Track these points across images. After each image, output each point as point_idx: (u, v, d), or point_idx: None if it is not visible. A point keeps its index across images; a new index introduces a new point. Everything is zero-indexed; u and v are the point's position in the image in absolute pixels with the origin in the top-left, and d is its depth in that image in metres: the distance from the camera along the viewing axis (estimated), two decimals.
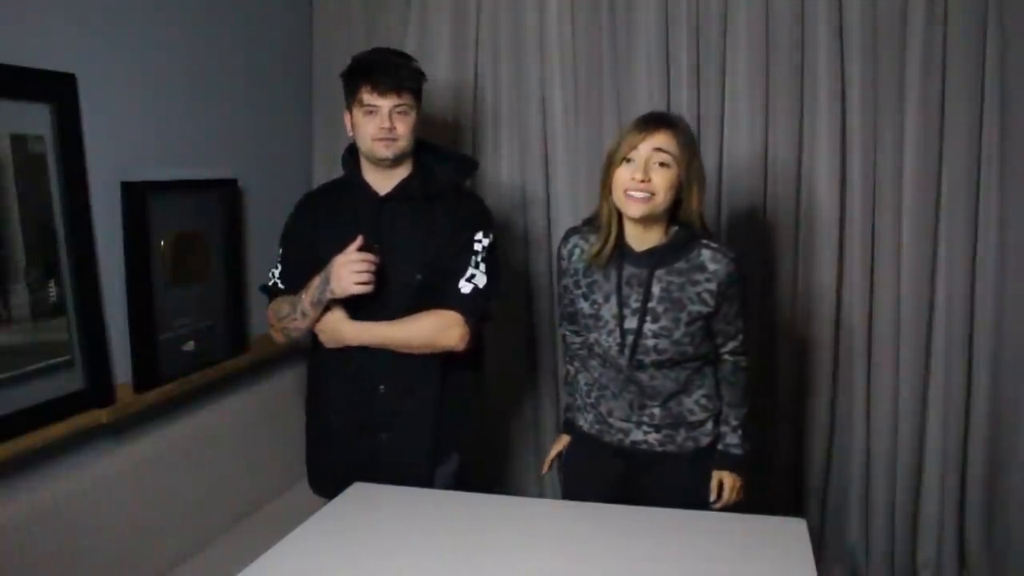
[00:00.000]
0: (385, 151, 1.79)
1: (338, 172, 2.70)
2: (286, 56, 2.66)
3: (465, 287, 1.78)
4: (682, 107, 2.38)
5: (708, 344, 1.71)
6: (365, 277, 1.73)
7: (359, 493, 1.74)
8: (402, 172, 1.85)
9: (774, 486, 2.50)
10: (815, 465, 2.47)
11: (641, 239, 1.64)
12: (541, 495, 2.68)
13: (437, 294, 1.79)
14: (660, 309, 1.63)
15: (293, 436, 2.42)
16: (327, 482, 1.91)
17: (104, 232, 1.92)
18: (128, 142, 2.00)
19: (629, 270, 1.65)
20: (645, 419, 1.73)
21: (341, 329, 1.80)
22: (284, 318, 1.87)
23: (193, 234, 2.20)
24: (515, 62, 2.54)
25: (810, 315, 2.41)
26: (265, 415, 2.39)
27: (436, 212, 1.83)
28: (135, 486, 1.91)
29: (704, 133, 2.40)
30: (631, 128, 1.59)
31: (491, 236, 1.84)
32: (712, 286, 1.61)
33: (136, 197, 1.98)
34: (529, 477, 2.73)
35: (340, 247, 1.76)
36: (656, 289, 1.63)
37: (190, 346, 2.19)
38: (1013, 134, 2.22)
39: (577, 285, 1.73)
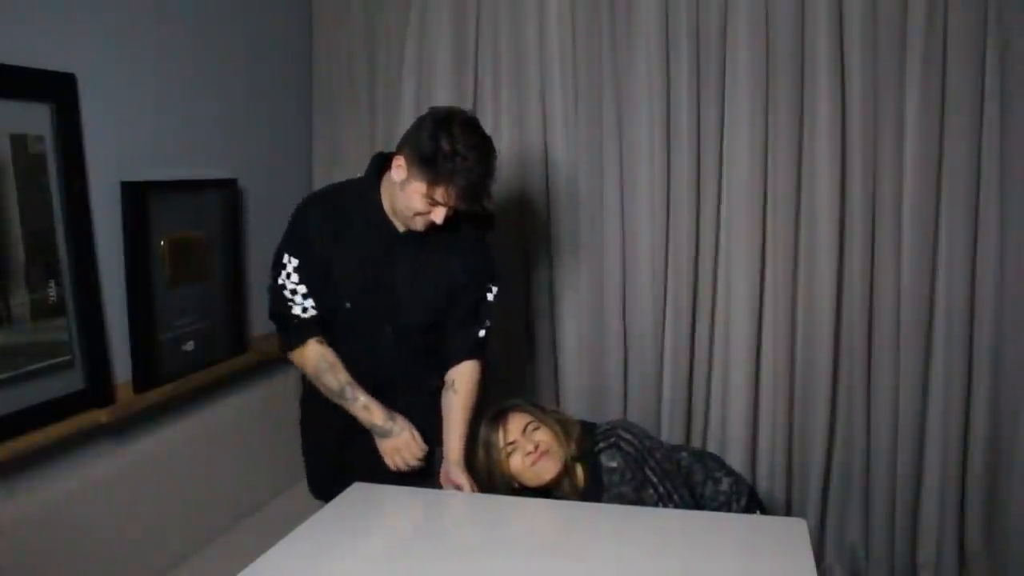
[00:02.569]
0: (418, 228, 1.75)
1: (337, 171, 2.75)
2: (286, 55, 2.66)
3: (480, 334, 1.90)
4: (681, 107, 2.38)
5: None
6: (405, 468, 1.85)
7: (358, 494, 1.74)
8: None
9: (773, 486, 2.50)
10: (815, 465, 2.47)
11: (572, 490, 1.80)
12: None
13: (443, 334, 1.88)
14: (627, 491, 1.76)
15: (293, 436, 2.41)
16: (327, 483, 1.90)
17: (104, 232, 1.92)
18: (128, 142, 2.00)
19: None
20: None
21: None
22: (325, 386, 1.82)
23: (193, 234, 2.20)
24: (515, 62, 2.54)
25: (810, 316, 2.41)
26: (265, 415, 2.40)
27: (452, 260, 1.84)
28: (135, 486, 1.91)
29: (704, 133, 2.40)
30: (490, 430, 1.81)
31: (498, 286, 1.94)
32: (628, 477, 1.76)
33: (136, 197, 1.98)
34: None
35: (355, 280, 1.78)
36: (613, 488, 1.77)
37: (190, 346, 2.19)
38: (1013, 135, 2.22)
39: None
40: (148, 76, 2.05)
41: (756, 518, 1.72)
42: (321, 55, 2.74)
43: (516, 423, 1.81)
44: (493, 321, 1.92)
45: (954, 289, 2.30)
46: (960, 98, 2.22)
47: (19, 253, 1.70)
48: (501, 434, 1.81)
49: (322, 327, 1.83)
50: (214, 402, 2.30)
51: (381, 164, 1.81)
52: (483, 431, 1.83)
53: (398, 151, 1.73)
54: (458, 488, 1.82)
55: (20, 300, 1.71)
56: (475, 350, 1.89)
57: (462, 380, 1.87)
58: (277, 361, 2.57)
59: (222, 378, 2.33)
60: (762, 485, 2.51)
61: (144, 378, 2.02)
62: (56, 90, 1.78)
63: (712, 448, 2.50)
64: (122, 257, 1.97)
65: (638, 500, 1.76)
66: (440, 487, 1.83)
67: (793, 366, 2.45)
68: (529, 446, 1.77)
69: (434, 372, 1.89)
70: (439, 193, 1.66)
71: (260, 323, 2.52)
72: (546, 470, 1.78)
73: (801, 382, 2.46)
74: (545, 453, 1.78)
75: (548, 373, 2.66)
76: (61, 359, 1.81)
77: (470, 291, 1.86)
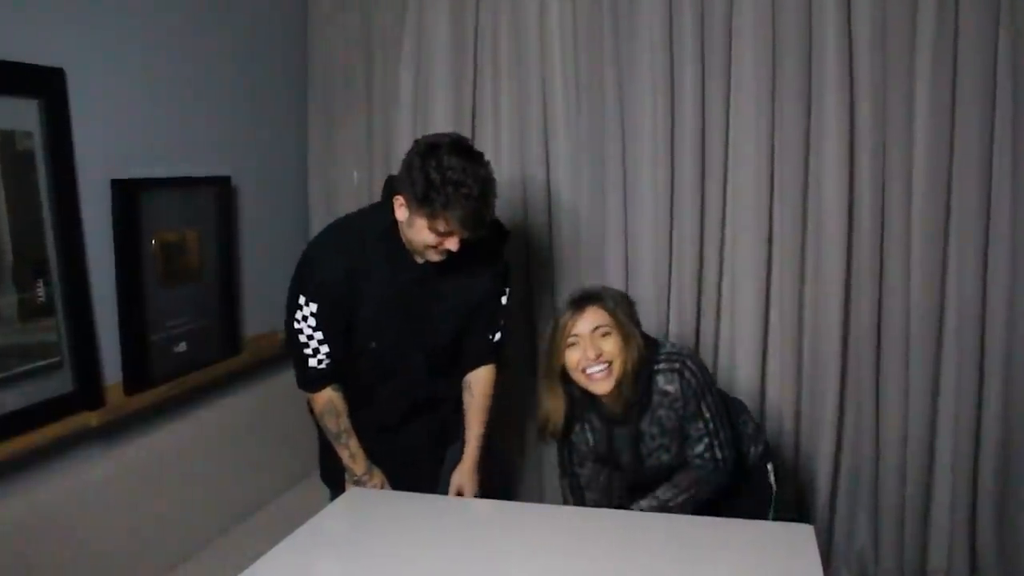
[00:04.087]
0: (434, 258, 1.76)
1: (332, 169, 2.76)
2: (281, 50, 2.66)
3: (496, 338, 1.98)
4: (685, 101, 2.37)
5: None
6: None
7: (355, 498, 1.75)
8: None
9: (781, 491, 2.50)
10: (823, 469, 2.47)
11: (615, 401, 1.79)
12: (539, 482, 2.70)
13: (462, 344, 1.94)
14: (666, 441, 1.81)
15: (288, 439, 2.42)
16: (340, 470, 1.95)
17: (94, 231, 1.92)
18: (119, 139, 2.00)
19: (620, 432, 1.83)
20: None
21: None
22: (326, 427, 1.90)
23: (185, 233, 2.20)
24: (515, 54, 2.54)
25: (817, 318, 2.41)
26: (259, 418, 2.39)
27: (472, 279, 1.88)
28: (125, 491, 1.91)
29: (709, 127, 2.40)
30: (564, 315, 1.78)
31: (509, 287, 2.01)
32: (679, 404, 1.77)
33: (127, 195, 1.98)
34: (525, 463, 2.75)
35: (381, 319, 1.82)
36: (653, 431, 1.80)
37: (182, 347, 2.19)
38: None
39: (595, 458, 1.90)
40: (139, 71, 2.05)
41: (763, 524, 1.72)
42: (317, 50, 2.74)
43: (590, 319, 1.74)
44: (507, 322, 2.00)
45: (965, 291, 2.30)
46: (971, 93, 2.21)
47: (7, 252, 1.71)
48: (571, 321, 1.75)
49: (340, 371, 1.86)
50: (207, 404, 2.30)
51: (392, 191, 1.80)
52: (560, 309, 1.82)
53: (397, 191, 1.73)
54: (459, 493, 1.87)
55: (8, 300, 1.71)
56: (490, 354, 1.97)
57: (478, 384, 1.96)
58: (271, 362, 2.58)
59: (215, 380, 2.33)
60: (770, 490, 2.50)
61: (135, 380, 2.02)
62: (44, 85, 1.78)
63: None
64: (112, 256, 1.97)
65: (679, 428, 1.78)
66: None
67: (800, 370, 2.45)
68: (592, 352, 1.72)
69: (455, 382, 1.98)
70: (442, 225, 1.67)
71: (254, 323, 2.53)
72: (598, 387, 1.74)
73: (808, 386, 2.46)
74: (605, 370, 1.73)
75: None
76: (50, 360, 1.81)
77: (489, 301, 1.93)
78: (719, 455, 1.78)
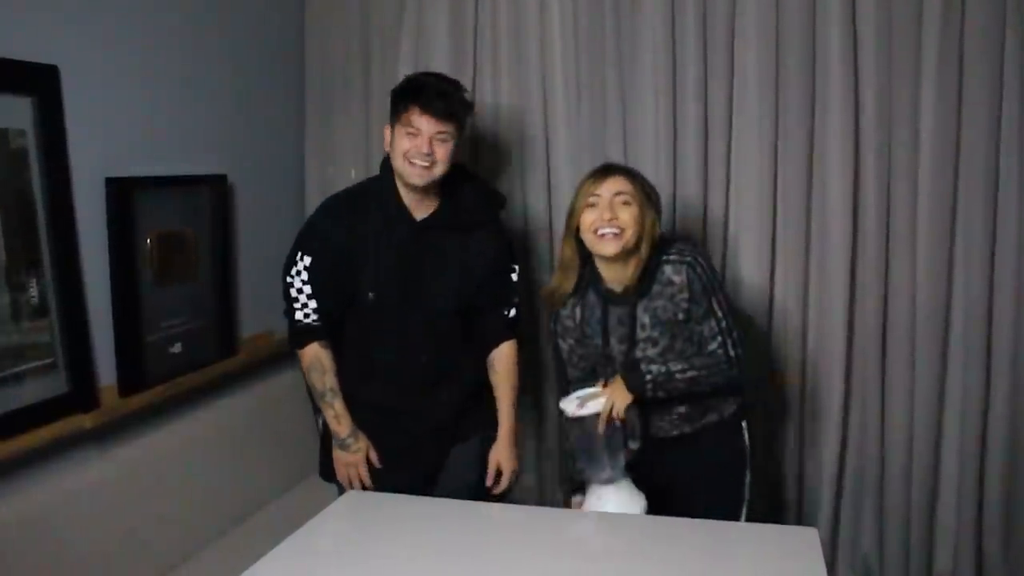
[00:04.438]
0: (417, 179, 1.83)
1: (330, 167, 2.75)
2: (278, 47, 2.66)
3: (511, 314, 2.05)
4: (688, 100, 2.37)
5: None
6: (349, 487, 1.94)
7: (352, 502, 1.75)
8: (434, 199, 1.92)
9: (784, 494, 2.50)
10: (827, 471, 2.46)
11: (618, 277, 1.83)
12: (539, 481, 2.70)
13: (471, 321, 1.99)
14: (656, 334, 1.82)
15: (285, 441, 2.42)
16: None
17: (88, 230, 1.91)
18: (113, 136, 1.99)
19: (615, 311, 1.85)
20: (666, 412, 1.87)
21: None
22: (312, 385, 1.94)
23: (181, 232, 2.20)
24: (515, 53, 2.54)
25: (822, 318, 2.40)
26: (256, 420, 2.39)
27: (471, 244, 1.95)
28: (120, 494, 1.90)
29: (711, 125, 2.39)
30: (588, 177, 1.85)
31: (519, 266, 2.08)
32: (682, 298, 1.79)
33: (121, 193, 1.98)
34: (525, 467, 2.73)
35: (379, 271, 1.87)
36: (643, 317, 1.82)
37: (178, 348, 2.18)
38: None
39: (581, 334, 1.92)
40: (134, 68, 2.05)
41: (766, 527, 1.71)
42: (314, 47, 2.73)
43: (612, 184, 1.80)
44: (521, 299, 2.07)
45: (972, 291, 2.29)
46: (978, 90, 2.20)
47: (0, 252, 1.70)
48: (594, 183, 1.82)
49: (332, 329, 1.92)
50: (203, 406, 2.30)
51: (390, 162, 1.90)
52: (587, 173, 1.88)
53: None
54: (498, 472, 1.99)
55: (1, 301, 1.71)
56: (507, 330, 2.04)
57: (501, 361, 2.03)
58: (268, 363, 2.57)
59: (211, 381, 2.32)
60: (772, 493, 2.50)
61: (130, 381, 2.02)
62: (38, 82, 1.77)
63: None
64: (107, 256, 1.97)
65: (673, 324, 1.80)
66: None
67: (804, 369, 2.44)
68: (607, 214, 1.77)
69: (472, 360, 2.01)
70: (414, 116, 1.80)
71: (250, 324, 2.52)
72: (606, 247, 1.78)
73: (812, 385, 2.45)
74: (616, 234, 1.77)
75: (552, 364, 2.64)
76: (43, 361, 1.81)
77: (494, 274, 1.98)
78: (732, 353, 1.78)
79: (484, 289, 1.97)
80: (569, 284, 1.88)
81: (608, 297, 1.86)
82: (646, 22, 2.38)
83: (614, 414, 1.76)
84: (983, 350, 2.30)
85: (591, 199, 1.80)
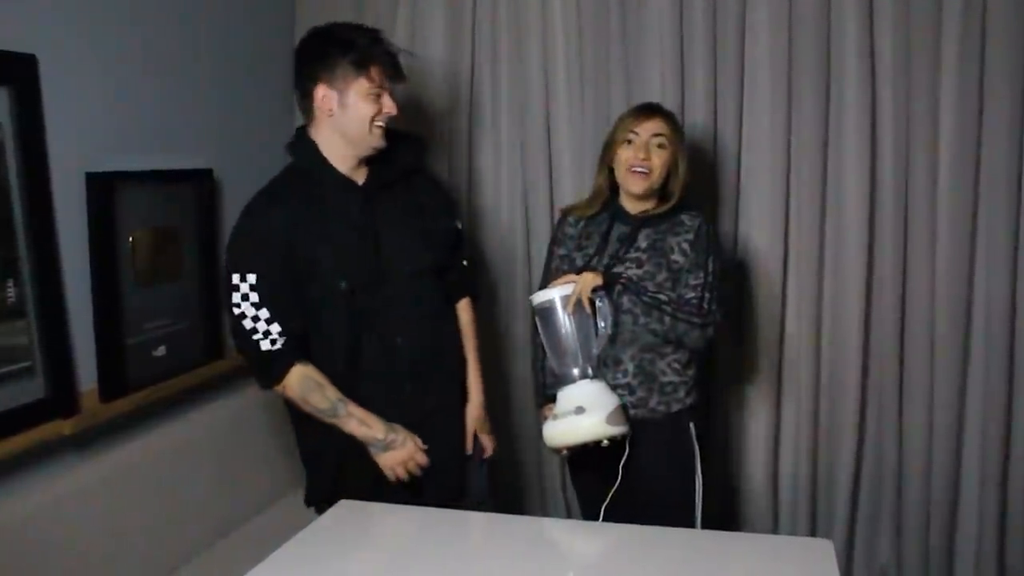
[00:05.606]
0: (382, 141, 1.82)
1: None
2: (266, 36, 2.65)
3: (463, 264, 2.05)
4: (697, 93, 2.36)
5: None
6: (404, 476, 1.85)
7: (345, 511, 1.74)
8: (364, 163, 1.88)
9: (797, 504, 2.48)
10: (843, 480, 2.45)
11: (635, 208, 1.99)
12: (540, 496, 2.70)
13: (435, 279, 1.95)
14: (644, 257, 1.93)
15: (273, 448, 2.41)
16: (329, 490, 1.86)
17: (67, 227, 1.90)
18: (94, 129, 1.98)
19: (619, 228, 1.98)
20: (620, 376, 1.91)
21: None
22: (314, 407, 1.79)
23: (165, 229, 2.19)
24: (515, 42, 2.53)
25: (837, 319, 2.39)
26: (243, 426, 2.38)
27: (415, 198, 1.94)
28: (101, 503, 1.89)
29: (722, 122, 2.39)
30: (630, 114, 1.99)
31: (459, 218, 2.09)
32: (689, 237, 1.93)
33: (102, 189, 1.97)
34: (525, 476, 2.74)
35: (341, 255, 1.80)
36: (642, 241, 1.95)
37: (161, 351, 2.17)
38: None
39: (576, 246, 2.03)
40: (116, 58, 2.03)
41: (781, 538, 1.71)
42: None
43: (653, 125, 1.94)
44: (469, 251, 2.13)
45: (993, 293, 2.28)
46: (1000, 84, 2.19)
47: None
48: (635, 120, 1.95)
49: (303, 345, 1.79)
50: (187, 412, 2.29)
51: (303, 132, 1.87)
52: (629, 109, 2.03)
53: (312, 94, 1.80)
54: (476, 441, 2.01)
55: None
56: (465, 285, 2.05)
57: (463, 313, 2.05)
58: None
59: (196, 386, 2.31)
60: (785, 500, 2.48)
61: (111, 386, 2.01)
62: (15, 72, 1.76)
63: (731, 462, 2.51)
64: (87, 254, 1.95)
65: (661, 258, 1.90)
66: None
67: (818, 374, 2.44)
68: (642, 153, 1.91)
69: (456, 351, 2.00)
70: (376, 74, 1.77)
71: None
72: (635, 184, 1.93)
73: (827, 392, 2.44)
74: (645, 173, 1.92)
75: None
76: (20, 365, 1.80)
77: (446, 222, 1.99)
78: (706, 306, 1.87)
79: (438, 245, 1.95)
80: (592, 210, 2.02)
81: (618, 214, 1.99)
82: (652, 16, 2.37)
83: (580, 294, 1.85)
84: (1005, 351, 2.30)
85: (630, 136, 1.93)
